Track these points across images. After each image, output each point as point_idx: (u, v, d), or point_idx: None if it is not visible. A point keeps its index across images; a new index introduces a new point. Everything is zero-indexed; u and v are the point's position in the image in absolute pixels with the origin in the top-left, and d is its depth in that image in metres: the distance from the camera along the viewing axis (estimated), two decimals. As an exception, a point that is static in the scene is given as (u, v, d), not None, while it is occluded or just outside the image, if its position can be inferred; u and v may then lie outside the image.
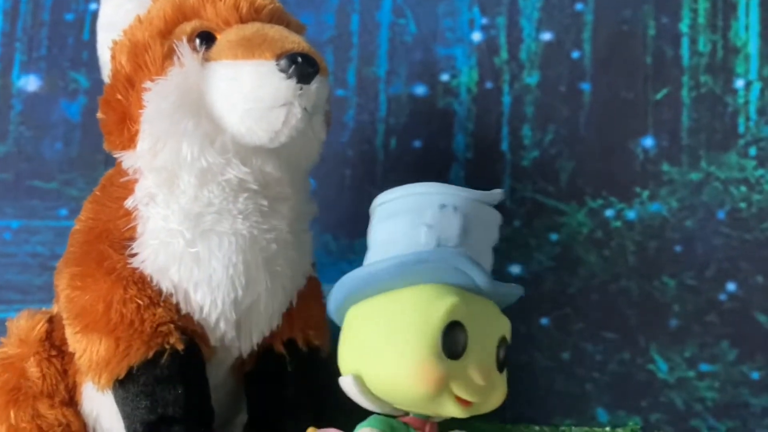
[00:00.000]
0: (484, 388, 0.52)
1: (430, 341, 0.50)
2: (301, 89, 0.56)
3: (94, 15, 0.86)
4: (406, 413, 0.55)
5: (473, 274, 0.52)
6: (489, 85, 0.84)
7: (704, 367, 0.79)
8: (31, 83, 0.87)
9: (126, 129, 0.59)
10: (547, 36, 0.84)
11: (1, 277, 0.84)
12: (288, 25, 0.62)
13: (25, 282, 0.84)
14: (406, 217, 0.54)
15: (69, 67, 0.87)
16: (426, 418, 0.54)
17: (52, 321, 0.63)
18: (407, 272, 0.52)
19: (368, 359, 0.53)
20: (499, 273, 0.82)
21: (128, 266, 0.58)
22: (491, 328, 0.54)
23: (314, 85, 0.56)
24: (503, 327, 0.55)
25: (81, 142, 0.86)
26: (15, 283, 0.84)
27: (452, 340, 0.50)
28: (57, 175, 0.86)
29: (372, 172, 0.85)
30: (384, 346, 0.52)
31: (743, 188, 0.81)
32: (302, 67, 0.55)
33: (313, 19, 0.86)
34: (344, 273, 0.83)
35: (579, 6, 0.84)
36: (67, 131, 0.86)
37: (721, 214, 0.81)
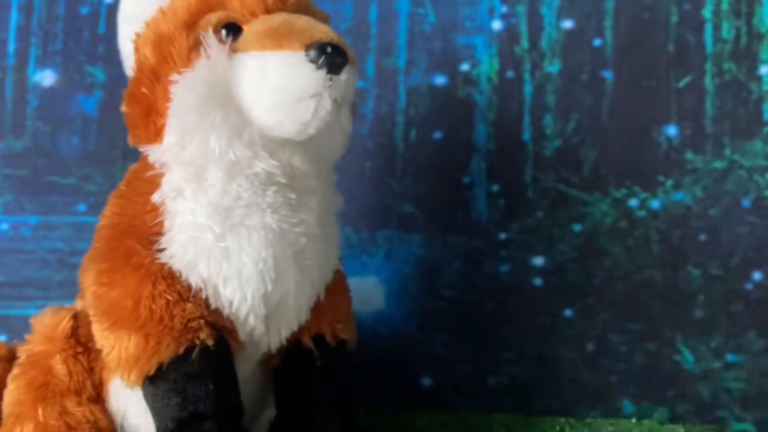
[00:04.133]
0: None
1: None
2: (330, 80, 0.54)
3: (110, 8, 0.85)
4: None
5: None
6: (510, 74, 0.83)
7: (731, 357, 0.79)
8: (47, 78, 0.86)
9: (152, 122, 0.57)
10: (568, 24, 0.83)
11: (21, 274, 0.83)
12: (314, 15, 0.60)
13: (45, 278, 0.83)
14: None
15: (85, 61, 0.86)
16: None
17: (77, 318, 0.62)
18: None
19: None
20: (522, 264, 0.82)
21: (156, 261, 0.57)
22: None
23: (343, 75, 0.55)
24: None
25: (98, 137, 0.85)
26: (35, 279, 0.83)
27: None
28: (75, 171, 0.85)
29: (392, 164, 0.84)
30: None
31: (768, 176, 0.80)
32: (332, 57, 0.54)
33: (331, 9, 0.83)
34: (366, 266, 0.83)
35: (600, -7, 0.83)
36: (84, 126, 0.85)
37: (745, 203, 0.80)
